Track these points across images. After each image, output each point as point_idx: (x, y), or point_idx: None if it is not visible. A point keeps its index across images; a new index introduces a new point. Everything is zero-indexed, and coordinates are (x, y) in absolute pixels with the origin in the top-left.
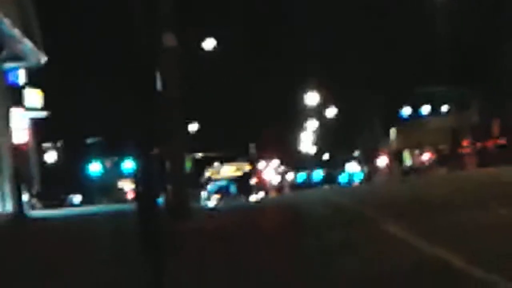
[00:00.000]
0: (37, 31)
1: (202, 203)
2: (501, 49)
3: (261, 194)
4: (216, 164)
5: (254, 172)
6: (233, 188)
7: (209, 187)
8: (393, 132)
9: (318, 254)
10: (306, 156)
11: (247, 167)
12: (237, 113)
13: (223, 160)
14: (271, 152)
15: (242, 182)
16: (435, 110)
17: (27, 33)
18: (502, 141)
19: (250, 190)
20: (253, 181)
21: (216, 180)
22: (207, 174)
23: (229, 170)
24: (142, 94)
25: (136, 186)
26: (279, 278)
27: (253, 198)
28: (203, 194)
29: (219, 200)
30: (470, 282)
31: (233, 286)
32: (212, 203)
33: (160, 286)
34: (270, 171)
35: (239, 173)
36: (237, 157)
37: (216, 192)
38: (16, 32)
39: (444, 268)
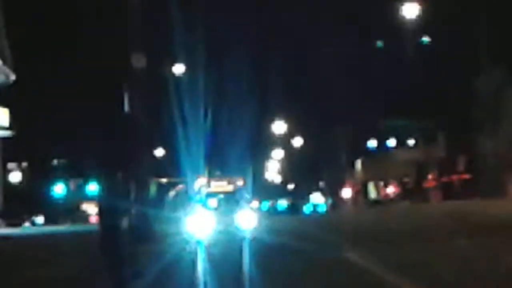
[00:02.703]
0: (6, 49)
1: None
2: (469, 83)
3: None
4: (204, 178)
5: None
6: (223, 203)
7: (197, 200)
8: (358, 163)
9: (285, 276)
10: (272, 185)
11: (240, 182)
12: (203, 139)
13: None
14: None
15: (234, 197)
16: (401, 143)
17: None
18: (467, 175)
19: (240, 206)
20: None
21: (208, 194)
22: (197, 186)
23: (221, 184)
24: (108, 115)
25: (100, 209)
26: None
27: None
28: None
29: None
30: None
31: None
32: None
33: None
34: None
35: (231, 188)
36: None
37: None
38: None
39: None
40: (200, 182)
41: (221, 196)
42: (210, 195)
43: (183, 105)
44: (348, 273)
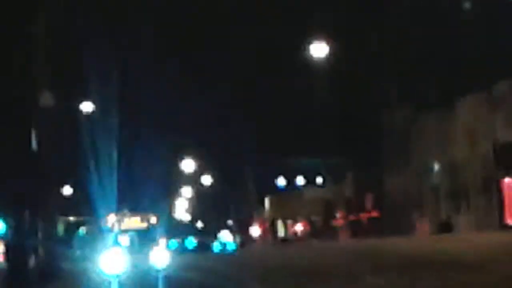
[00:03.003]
0: None
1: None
2: (378, 121)
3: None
4: (115, 216)
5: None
6: (136, 240)
7: (108, 238)
8: (267, 201)
9: None
10: (180, 223)
11: (153, 219)
12: (114, 177)
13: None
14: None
15: (147, 234)
16: (309, 181)
17: None
18: (375, 213)
19: (155, 242)
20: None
21: (120, 231)
22: (107, 224)
23: (134, 221)
24: (15, 152)
25: (6, 247)
26: None
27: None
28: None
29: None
30: None
31: None
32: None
33: None
34: None
35: (145, 225)
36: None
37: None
38: None
39: None
40: (111, 220)
41: (134, 233)
42: (122, 232)
43: (94, 143)
44: None
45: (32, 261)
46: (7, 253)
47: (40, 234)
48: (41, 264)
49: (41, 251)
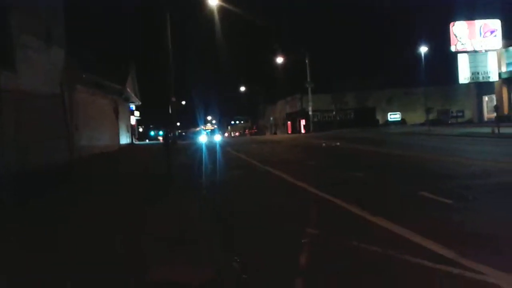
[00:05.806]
0: (138, 91)
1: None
2: (259, 106)
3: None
4: (203, 126)
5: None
6: (209, 133)
7: (202, 132)
8: (229, 127)
9: (221, 150)
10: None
11: (215, 126)
12: (201, 116)
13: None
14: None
15: (212, 131)
16: (240, 121)
17: (134, 92)
18: (255, 130)
19: (215, 134)
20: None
21: (204, 130)
22: (200, 128)
23: (208, 127)
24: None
25: (163, 137)
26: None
27: (216, 138)
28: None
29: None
30: (250, 164)
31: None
32: (203, 139)
33: (169, 161)
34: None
35: (212, 128)
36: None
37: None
38: (131, 93)
39: (240, 159)
40: (201, 127)
41: (208, 131)
42: (205, 130)
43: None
44: (228, 154)
45: (170, 141)
46: (163, 139)
47: (172, 134)
48: (173, 142)
49: (172, 138)
